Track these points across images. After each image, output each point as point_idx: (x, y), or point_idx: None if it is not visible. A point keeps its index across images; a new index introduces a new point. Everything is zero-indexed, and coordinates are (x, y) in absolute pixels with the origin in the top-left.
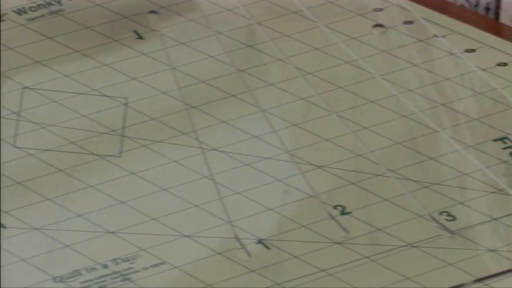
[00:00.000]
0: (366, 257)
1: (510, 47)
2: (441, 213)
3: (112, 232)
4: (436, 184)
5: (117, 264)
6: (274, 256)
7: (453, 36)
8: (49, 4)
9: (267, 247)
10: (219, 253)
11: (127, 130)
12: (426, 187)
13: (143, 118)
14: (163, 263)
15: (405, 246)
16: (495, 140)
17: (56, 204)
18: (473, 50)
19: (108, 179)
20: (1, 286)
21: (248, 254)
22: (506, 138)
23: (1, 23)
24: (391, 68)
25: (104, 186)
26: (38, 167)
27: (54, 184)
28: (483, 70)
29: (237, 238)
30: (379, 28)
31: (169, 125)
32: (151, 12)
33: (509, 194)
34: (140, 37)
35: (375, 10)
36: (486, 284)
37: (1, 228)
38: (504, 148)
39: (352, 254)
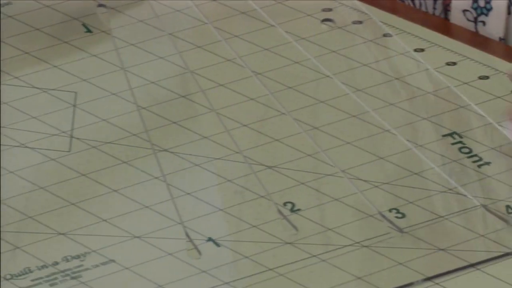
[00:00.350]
0: (317, 257)
1: (459, 46)
2: (390, 210)
3: (63, 234)
4: (386, 183)
5: (67, 261)
6: (225, 256)
7: (402, 35)
8: None
9: (217, 245)
10: (170, 254)
11: (78, 131)
12: (376, 186)
13: (93, 119)
14: (113, 261)
15: (356, 245)
16: (444, 136)
17: (6, 205)
18: (422, 50)
19: (58, 180)
20: None
21: (199, 253)
22: (455, 133)
23: None
24: (341, 68)
25: (54, 187)
26: None
27: (3, 186)
28: (433, 69)
29: (188, 239)
30: (328, 23)
31: (120, 126)
32: (100, 6)
33: (458, 193)
34: (88, 31)
35: (324, 10)
36: (436, 283)
37: None
38: (453, 144)
39: (303, 254)
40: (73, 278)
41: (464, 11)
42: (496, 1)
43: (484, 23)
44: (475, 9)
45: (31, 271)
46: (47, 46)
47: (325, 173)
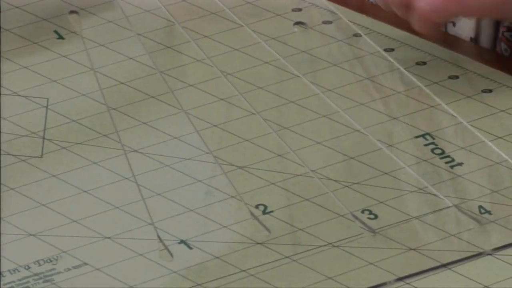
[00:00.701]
0: (288, 257)
1: (429, 46)
2: (363, 211)
3: (33, 235)
4: (357, 183)
5: (40, 265)
6: (196, 257)
7: (372, 35)
8: None
9: (190, 247)
10: (140, 255)
11: (48, 132)
12: (347, 186)
13: (64, 120)
14: (85, 264)
15: (327, 245)
16: (417, 137)
17: None
18: (392, 50)
19: (29, 181)
20: None
21: (171, 254)
22: (428, 134)
23: None
24: (312, 68)
25: (25, 188)
26: None
27: None
28: (403, 69)
29: (159, 239)
30: (300, 26)
31: (90, 127)
32: (72, 12)
33: (430, 193)
34: (60, 37)
35: (294, 10)
36: (408, 283)
37: None
38: (426, 145)
39: (274, 254)
40: (45, 281)
41: None
42: None
43: (454, 24)
44: None
45: (3, 275)
46: (17, 47)
47: (296, 173)
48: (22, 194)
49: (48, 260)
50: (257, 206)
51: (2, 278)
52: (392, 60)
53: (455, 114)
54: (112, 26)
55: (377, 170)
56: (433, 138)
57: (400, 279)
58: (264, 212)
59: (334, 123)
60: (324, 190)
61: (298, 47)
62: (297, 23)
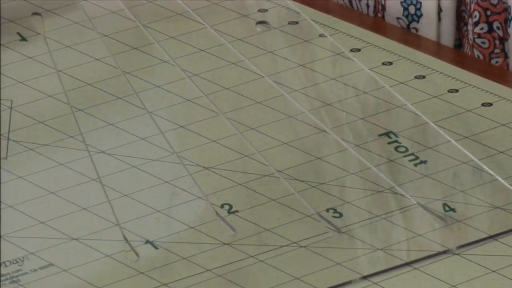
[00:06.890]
0: (254, 257)
1: (395, 46)
2: (327, 210)
3: None
4: (323, 183)
5: (6, 266)
6: (163, 258)
7: (339, 36)
8: None
9: (155, 247)
10: (107, 256)
11: (13, 134)
12: (313, 187)
13: (29, 121)
14: (51, 264)
15: (293, 245)
16: (380, 135)
17: None
18: (358, 50)
19: None
20: None
21: (137, 255)
22: (391, 132)
23: None
24: (277, 69)
25: None
26: None
27: None
28: (369, 69)
29: (126, 240)
30: (263, 25)
31: (56, 128)
32: (35, 14)
33: (395, 192)
34: (23, 39)
35: (260, 10)
36: (374, 282)
37: None
38: (389, 143)
39: (240, 255)
40: (12, 282)
41: (398, 18)
42: (426, 7)
43: (416, 29)
44: (406, 16)
45: None
46: None
47: (262, 173)
48: None
49: (15, 261)
50: (222, 206)
51: None
52: (356, 61)
53: (419, 113)
54: (78, 27)
55: (342, 169)
56: (397, 136)
57: (366, 277)
58: (229, 212)
59: (299, 123)
60: (290, 191)
61: (265, 47)
62: (259, 23)
